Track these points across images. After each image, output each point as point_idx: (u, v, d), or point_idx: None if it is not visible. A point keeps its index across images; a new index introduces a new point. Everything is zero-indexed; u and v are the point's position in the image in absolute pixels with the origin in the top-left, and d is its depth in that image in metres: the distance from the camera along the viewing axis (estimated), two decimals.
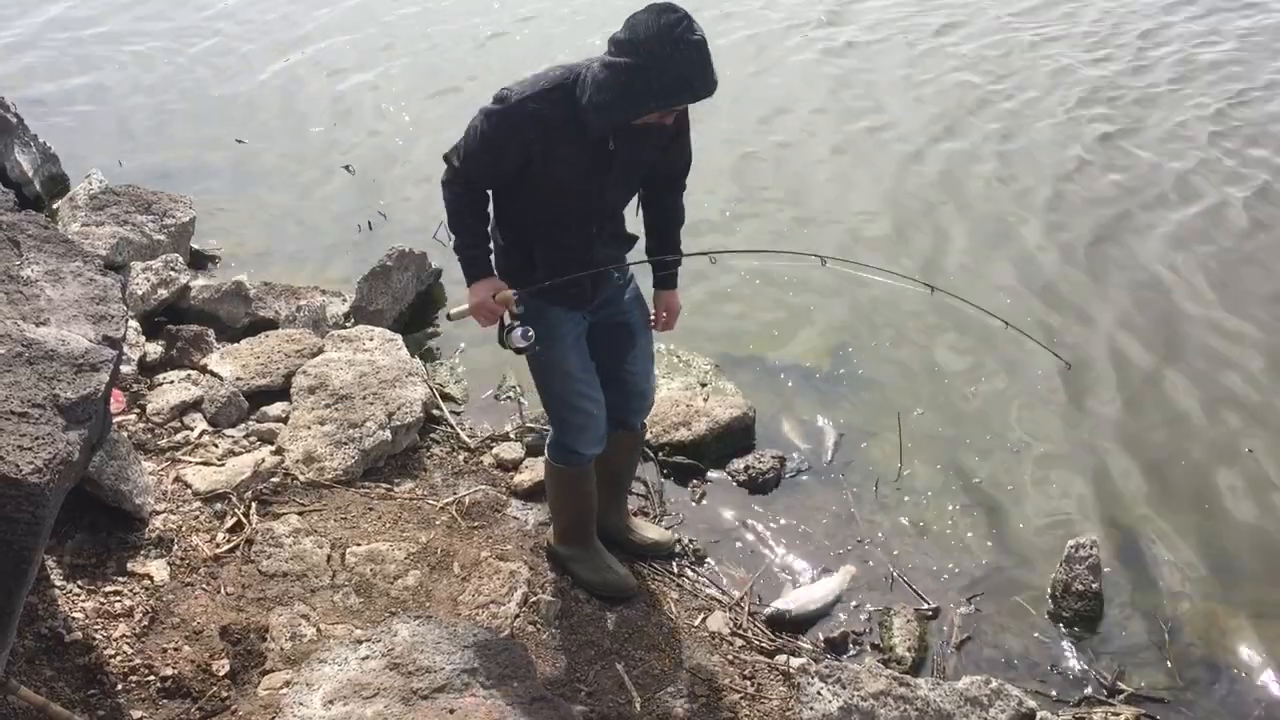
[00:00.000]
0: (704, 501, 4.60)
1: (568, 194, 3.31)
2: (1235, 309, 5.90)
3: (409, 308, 5.78)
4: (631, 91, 2.98)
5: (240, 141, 7.82)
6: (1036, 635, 4.08)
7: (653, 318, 3.78)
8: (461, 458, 4.63)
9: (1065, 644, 4.04)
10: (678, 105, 3.10)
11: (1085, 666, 3.95)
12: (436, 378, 5.15)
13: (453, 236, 3.46)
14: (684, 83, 2.98)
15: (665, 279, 3.76)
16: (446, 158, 3.38)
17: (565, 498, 3.93)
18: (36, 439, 2.73)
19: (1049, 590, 4.21)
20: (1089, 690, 3.85)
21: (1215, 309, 5.90)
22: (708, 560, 4.29)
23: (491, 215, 3.48)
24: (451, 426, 4.79)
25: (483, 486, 4.36)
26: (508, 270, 3.47)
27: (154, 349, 4.90)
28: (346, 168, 7.47)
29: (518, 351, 3.40)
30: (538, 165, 3.22)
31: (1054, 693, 3.84)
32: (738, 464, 4.76)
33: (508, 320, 3.38)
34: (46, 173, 6.70)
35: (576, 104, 3.10)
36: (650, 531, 4.24)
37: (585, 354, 3.62)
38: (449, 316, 3.62)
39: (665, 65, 2.93)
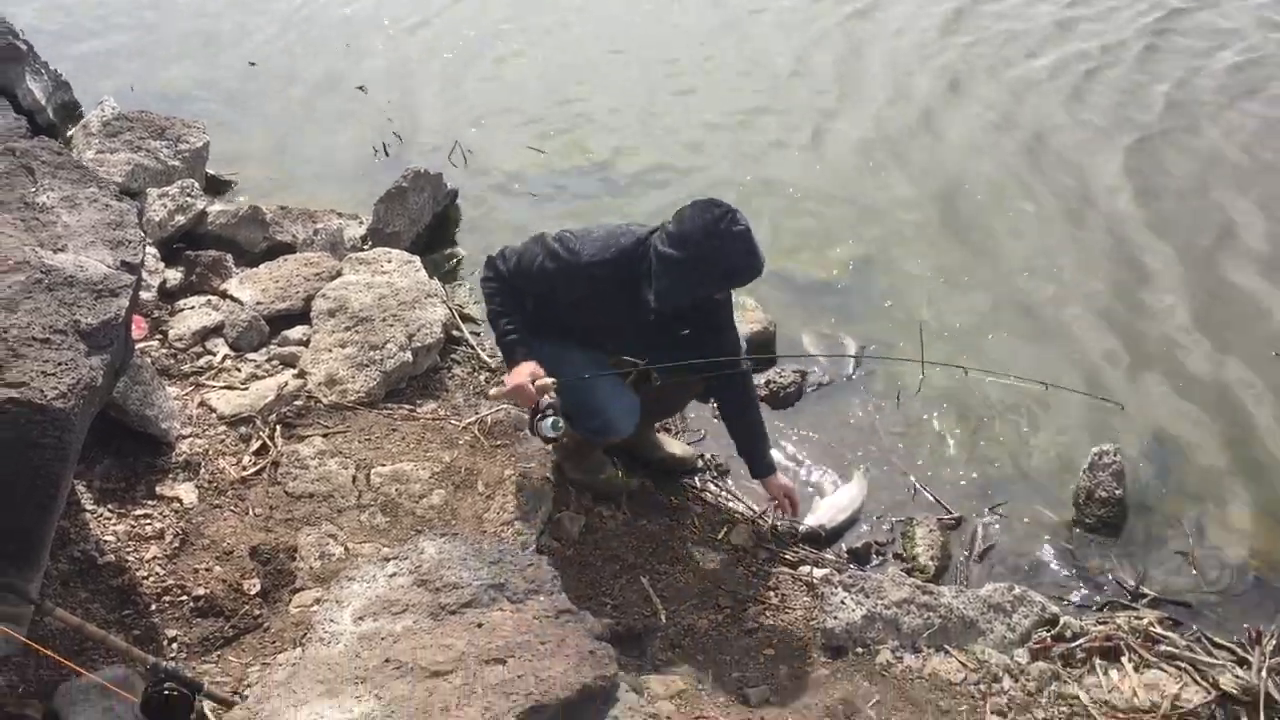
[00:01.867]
0: None
1: (600, 326, 3.67)
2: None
3: (426, 229, 5.75)
4: (686, 284, 3.35)
5: (253, 65, 7.73)
6: (1060, 542, 4.09)
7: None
8: (483, 378, 4.63)
9: (1088, 550, 4.06)
10: (728, 290, 3.55)
11: (1108, 572, 3.96)
12: (455, 298, 5.13)
13: (493, 329, 3.67)
14: (734, 272, 3.38)
15: (756, 469, 3.87)
16: (492, 262, 3.62)
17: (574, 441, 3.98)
18: (60, 365, 2.74)
19: (1072, 498, 4.21)
20: (1112, 595, 3.87)
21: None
22: (730, 475, 4.30)
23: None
24: (472, 347, 4.79)
25: (505, 406, 4.37)
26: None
27: (173, 275, 4.90)
28: (360, 88, 7.40)
29: (546, 441, 3.60)
30: (584, 306, 3.57)
31: (1077, 599, 3.87)
32: (759, 379, 4.74)
33: (543, 404, 3.46)
34: (59, 100, 6.64)
35: (635, 269, 3.42)
36: (673, 447, 4.26)
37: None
38: (487, 396, 3.70)
39: (715, 258, 3.29)
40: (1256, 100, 7.06)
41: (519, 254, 3.58)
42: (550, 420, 3.43)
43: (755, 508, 4.14)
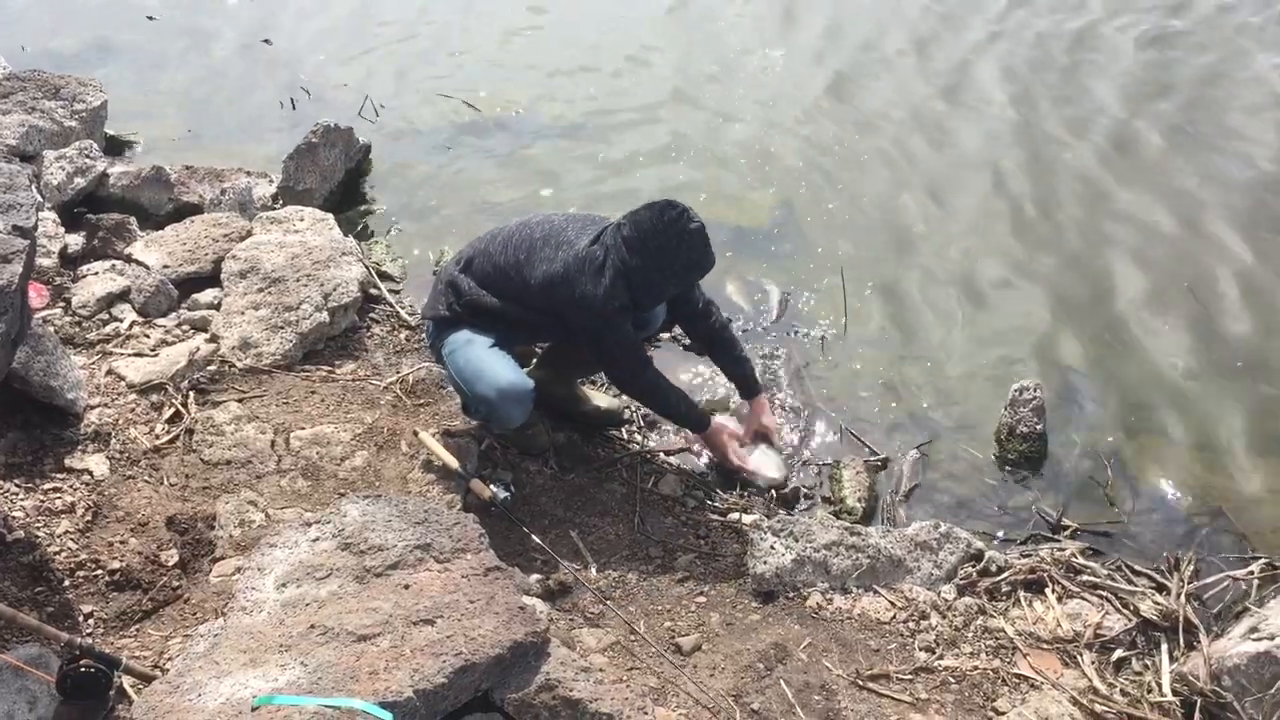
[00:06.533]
0: None
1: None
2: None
3: (339, 186, 5.62)
4: (653, 285, 3.56)
5: (152, 19, 7.44)
6: (983, 478, 4.14)
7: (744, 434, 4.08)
8: (403, 336, 4.55)
9: (1012, 485, 4.11)
10: (692, 284, 3.77)
11: (1031, 505, 4.02)
12: (372, 256, 5.02)
13: (676, 410, 3.83)
14: (694, 265, 3.58)
15: (745, 386, 4.05)
16: (625, 372, 3.72)
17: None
18: None
19: (994, 434, 4.26)
20: (1035, 528, 3.93)
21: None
22: (658, 425, 4.28)
23: (490, 299, 3.68)
24: (391, 305, 4.70)
25: (426, 364, 4.29)
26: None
27: (75, 240, 4.71)
28: (265, 41, 7.16)
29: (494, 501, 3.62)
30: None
31: (1001, 533, 3.92)
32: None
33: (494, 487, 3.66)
34: None
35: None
36: (599, 400, 4.22)
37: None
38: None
39: (675, 255, 3.50)
40: None
41: (615, 345, 3.65)
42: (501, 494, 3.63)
43: (685, 457, 4.12)
